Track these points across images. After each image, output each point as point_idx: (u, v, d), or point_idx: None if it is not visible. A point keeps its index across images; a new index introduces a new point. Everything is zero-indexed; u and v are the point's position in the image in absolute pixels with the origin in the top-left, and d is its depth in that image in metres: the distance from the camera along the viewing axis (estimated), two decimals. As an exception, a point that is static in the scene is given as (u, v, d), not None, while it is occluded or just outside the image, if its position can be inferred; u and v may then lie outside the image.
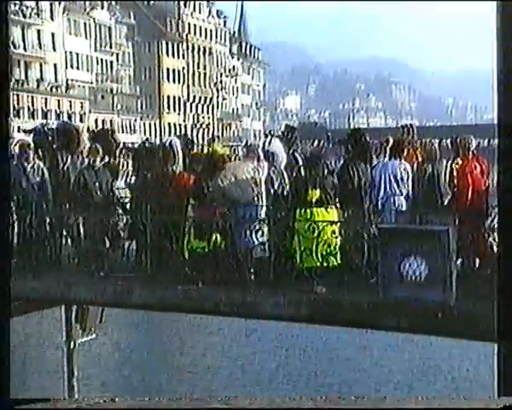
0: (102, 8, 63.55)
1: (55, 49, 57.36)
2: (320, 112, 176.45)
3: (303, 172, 8.41)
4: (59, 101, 56.25)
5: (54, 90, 56.32)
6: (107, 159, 9.23)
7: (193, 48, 77.67)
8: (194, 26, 78.01)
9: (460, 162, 8.16)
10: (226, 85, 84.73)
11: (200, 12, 78.90)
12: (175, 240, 7.99)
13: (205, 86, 79.99)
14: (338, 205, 7.96)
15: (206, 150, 9.98)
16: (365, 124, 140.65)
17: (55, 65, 57.44)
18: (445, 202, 8.10)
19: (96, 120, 59.61)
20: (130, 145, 10.67)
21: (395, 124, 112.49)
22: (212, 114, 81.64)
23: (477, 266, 7.64)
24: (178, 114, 75.33)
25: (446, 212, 7.80)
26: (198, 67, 78.87)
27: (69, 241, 8.84)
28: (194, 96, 78.10)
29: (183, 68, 75.93)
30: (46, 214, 8.65)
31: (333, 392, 12.30)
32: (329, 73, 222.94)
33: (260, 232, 7.76)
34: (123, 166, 9.96)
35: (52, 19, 56.83)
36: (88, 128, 16.20)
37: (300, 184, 8.11)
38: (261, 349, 15.84)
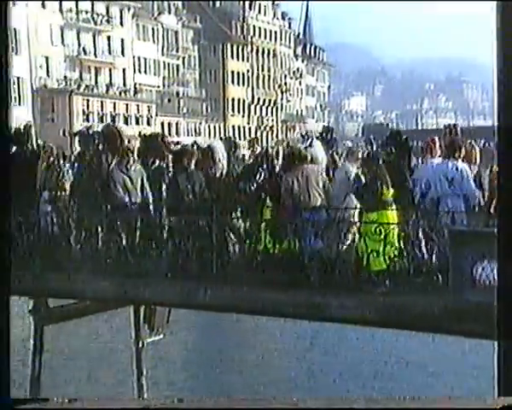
0: (170, 12, 64.61)
1: (123, 55, 58.70)
2: (386, 113, 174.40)
3: (373, 172, 8.30)
4: (127, 105, 57.49)
5: (122, 94, 57.64)
6: (157, 162, 9.40)
7: (257, 50, 78.02)
8: (259, 28, 78.35)
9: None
10: (290, 87, 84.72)
11: (265, 14, 79.20)
12: (245, 241, 8.03)
13: (269, 88, 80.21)
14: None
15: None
16: (434, 124, 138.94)
17: (123, 70, 58.79)
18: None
19: (163, 123, 60.68)
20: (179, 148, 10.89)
21: (466, 124, 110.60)
22: (277, 116, 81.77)
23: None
24: (243, 116, 75.79)
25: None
26: (262, 70, 79.16)
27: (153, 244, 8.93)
28: (259, 99, 78.42)
29: (248, 71, 76.37)
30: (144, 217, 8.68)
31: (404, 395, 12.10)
32: (396, 74, 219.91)
33: (325, 234, 7.76)
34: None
35: (122, 25, 58.19)
36: (139, 132, 16.59)
37: (375, 183, 7.99)
38: (325, 351, 15.78)
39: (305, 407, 3.79)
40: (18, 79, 47.28)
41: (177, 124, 63.62)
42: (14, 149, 9.60)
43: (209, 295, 8.02)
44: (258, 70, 78.35)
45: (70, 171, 9.68)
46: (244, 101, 76.11)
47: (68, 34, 53.63)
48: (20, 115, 39.09)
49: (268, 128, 78.96)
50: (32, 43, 49.06)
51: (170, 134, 59.52)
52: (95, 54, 55.87)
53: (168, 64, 65.31)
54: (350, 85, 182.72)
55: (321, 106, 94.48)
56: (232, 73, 74.53)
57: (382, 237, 7.37)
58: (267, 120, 79.83)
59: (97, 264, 8.54)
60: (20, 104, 46.85)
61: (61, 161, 9.86)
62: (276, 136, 76.12)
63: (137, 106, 58.59)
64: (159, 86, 63.35)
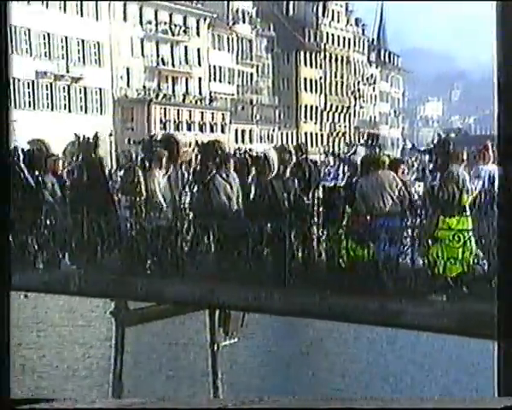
0: (244, 21, 65.37)
1: (200, 64, 59.82)
2: (464, 118, 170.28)
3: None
4: (202, 113, 58.47)
5: (198, 102, 58.69)
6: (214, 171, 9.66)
7: (330, 57, 77.82)
8: (332, 35, 78.14)
9: None
10: (364, 94, 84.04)
11: (338, 21, 78.96)
12: (324, 247, 8.13)
13: (342, 95, 79.83)
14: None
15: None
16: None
17: (199, 79, 59.88)
18: None
19: (236, 131, 61.37)
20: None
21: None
22: (349, 122, 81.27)
23: None
24: (315, 123, 75.68)
25: None
26: (335, 76, 78.86)
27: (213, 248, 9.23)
28: (331, 105, 78.14)
29: (321, 78, 76.24)
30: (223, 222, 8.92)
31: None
32: (475, 78, 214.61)
33: (400, 241, 7.77)
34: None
35: (198, 35, 59.34)
36: (196, 142, 17.16)
37: (454, 189, 7.95)
38: (400, 357, 15.65)
39: (305, 407, 3.81)
40: (100, 89, 49.16)
41: (250, 131, 64.19)
42: (95, 155, 10.12)
43: (283, 300, 8.14)
44: (331, 77, 78.10)
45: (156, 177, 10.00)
46: (317, 107, 76.00)
47: (148, 46, 55.16)
48: (103, 124, 40.67)
49: (340, 134, 78.55)
50: (114, 56, 50.77)
51: (243, 141, 60.20)
52: (172, 64, 57.17)
53: (242, 72, 66.02)
54: (426, 90, 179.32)
55: (395, 112, 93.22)
56: (305, 80, 74.57)
57: (461, 243, 7.32)
58: (339, 126, 79.43)
59: (184, 269, 8.84)
60: (101, 114, 48.78)
61: (139, 168, 10.24)
62: (350, 142, 75.64)
63: (212, 114, 59.48)
64: (233, 94, 64.09)
